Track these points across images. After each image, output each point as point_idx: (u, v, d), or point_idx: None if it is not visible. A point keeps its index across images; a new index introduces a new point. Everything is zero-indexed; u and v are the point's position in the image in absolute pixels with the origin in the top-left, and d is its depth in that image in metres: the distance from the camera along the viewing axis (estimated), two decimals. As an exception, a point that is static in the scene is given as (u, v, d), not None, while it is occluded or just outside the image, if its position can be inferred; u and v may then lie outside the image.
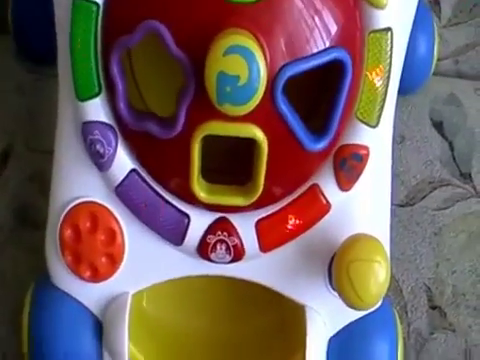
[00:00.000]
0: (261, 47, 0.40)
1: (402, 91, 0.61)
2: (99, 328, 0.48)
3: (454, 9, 0.71)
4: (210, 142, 0.43)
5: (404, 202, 0.62)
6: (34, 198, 0.58)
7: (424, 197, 0.63)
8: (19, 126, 0.60)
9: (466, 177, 0.64)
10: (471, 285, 0.61)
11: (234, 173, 0.45)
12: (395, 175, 0.60)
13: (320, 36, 0.43)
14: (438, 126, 0.66)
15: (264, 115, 0.41)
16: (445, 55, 0.71)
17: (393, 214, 0.60)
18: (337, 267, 0.45)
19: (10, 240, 0.58)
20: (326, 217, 0.46)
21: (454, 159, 0.65)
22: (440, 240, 0.61)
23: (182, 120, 0.41)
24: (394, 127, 0.62)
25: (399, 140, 0.64)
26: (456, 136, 0.66)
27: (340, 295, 0.44)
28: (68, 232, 0.46)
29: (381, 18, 0.45)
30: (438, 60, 0.68)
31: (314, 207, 0.46)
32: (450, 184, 0.64)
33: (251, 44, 0.38)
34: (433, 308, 0.59)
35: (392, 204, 0.60)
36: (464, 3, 0.70)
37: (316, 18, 0.43)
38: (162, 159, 0.44)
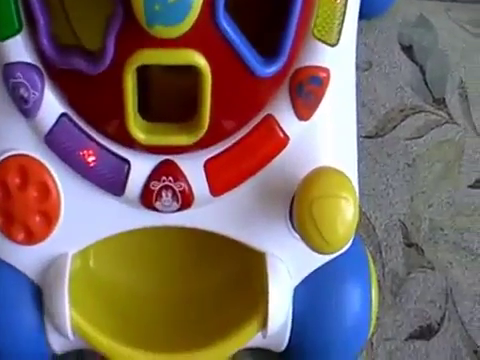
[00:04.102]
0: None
1: (368, 14, 0.58)
2: (38, 295, 0.44)
3: None
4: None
5: (373, 133, 0.58)
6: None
7: (395, 127, 0.58)
8: None
9: (439, 102, 0.60)
10: (449, 218, 0.57)
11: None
12: (363, 104, 0.58)
13: None
14: (408, 50, 0.62)
15: (204, 37, 0.36)
16: (413, -24, 0.66)
17: (362, 147, 0.56)
18: (298, 206, 0.40)
19: None
20: (284, 151, 0.41)
21: (426, 84, 0.61)
22: (414, 171, 0.57)
23: (111, 51, 0.36)
24: (360, 53, 0.58)
25: (366, 67, 0.60)
26: (427, 60, 0.62)
27: (303, 238, 0.40)
28: (-4, 191, 0.41)
29: None
30: (405, -19, 0.63)
31: (270, 141, 0.41)
32: (423, 111, 0.60)
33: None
34: (409, 246, 0.55)
35: (360, 136, 0.57)
36: None
37: None
38: (94, 99, 0.39)
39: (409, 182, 0.57)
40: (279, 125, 0.41)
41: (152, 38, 0.35)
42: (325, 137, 0.42)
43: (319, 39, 0.40)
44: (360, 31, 0.58)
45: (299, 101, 0.40)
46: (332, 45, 0.41)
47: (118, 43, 0.37)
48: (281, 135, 0.41)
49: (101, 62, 0.37)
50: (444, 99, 0.60)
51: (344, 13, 0.41)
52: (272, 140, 0.41)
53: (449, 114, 0.60)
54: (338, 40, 0.41)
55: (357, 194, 0.42)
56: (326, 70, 0.41)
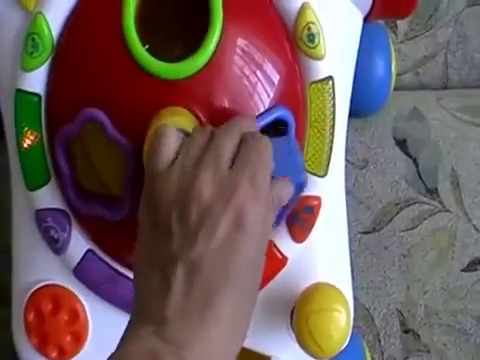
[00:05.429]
0: (199, 122, 0.40)
1: (363, 113, 0.61)
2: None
3: (410, 23, 0.70)
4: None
5: (371, 228, 0.62)
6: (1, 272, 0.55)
7: (391, 220, 0.62)
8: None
9: (432, 192, 0.63)
10: (443, 303, 0.61)
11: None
12: (360, 202, 0.62)
13: (261, 97, 0.43)
14: (402, 144, 0.65)
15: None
16: (405, 69, 0.70)
17: (360, 242, 0.61)
18: (297, 319, 0.45)
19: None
20: (283, 270, 0.47)
21: (420, 176, 0.64)
22: (410, 261, 0.61)
23: (128, 202, 0.42)
24: (357, 151, 0.63)
25: (362, 165, 0.63)
26: (420, 152, 0.64)
27: (301, 346, 0.45)
28: (32, 316, 0.46)
29: (320, 68, 0.45)
30: (399, 75, 0.66)
31: (271, 262, 0.46)
32: (417, 202, 0.63)
33: (187, 124, 0.39)
34: (406, 332, 0.60)
35: (358, 232, 0.61)
36: (419, 16, 0.70)
37: (255, 80, 0.43)
38: (115, 238, 0.45)
39: (405, 272, 0.60)
40: (278, 248, 0.46)
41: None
42: (319, 255, 0.47)
43: (310, 172, 0.46)
44: (356, 129, 0.63)
45: (295, 227, 0.46)
46: (321, 176, 0.46)
47: (134, 195, 0.41)
48: (280, 257, 0.46)
49: (121, 211, 0.42)
50: (437, 188, 0.63)
51: (331, 148, 0.46)
52: (273, 261, 0.46)
53: (441, 203, 0.63)
54: (327, 171, 0.46)
55: (351, 303, 0.47)
56: (317, 198, 0.46)
